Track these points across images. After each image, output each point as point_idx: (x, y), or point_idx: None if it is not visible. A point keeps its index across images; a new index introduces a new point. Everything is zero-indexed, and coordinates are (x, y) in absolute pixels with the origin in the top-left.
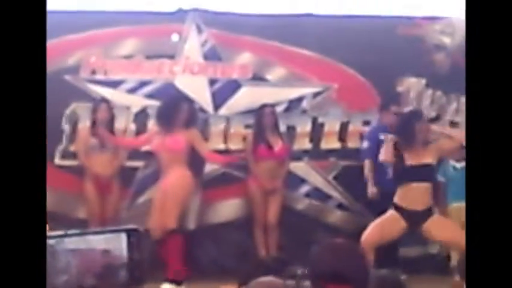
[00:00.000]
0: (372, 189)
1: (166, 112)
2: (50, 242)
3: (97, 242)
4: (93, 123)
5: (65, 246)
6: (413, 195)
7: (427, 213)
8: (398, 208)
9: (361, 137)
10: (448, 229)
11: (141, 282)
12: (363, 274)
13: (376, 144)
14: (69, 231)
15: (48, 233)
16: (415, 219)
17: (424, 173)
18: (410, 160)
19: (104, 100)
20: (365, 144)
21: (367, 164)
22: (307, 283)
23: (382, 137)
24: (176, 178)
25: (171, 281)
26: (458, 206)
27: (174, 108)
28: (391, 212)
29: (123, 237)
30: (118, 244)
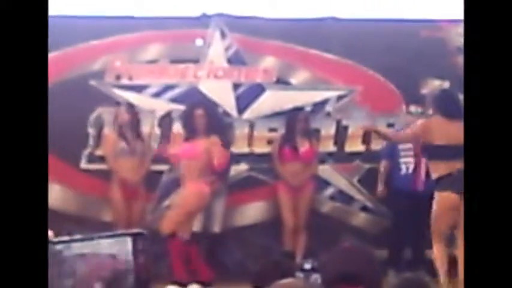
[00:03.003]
0: (380, 188)
1: (187, 118)
2: (56, 247)
3: (103, 246)
4: (120, 127)
5: (71, 251)
6: None
7: None
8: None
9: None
10: None
11: (147, 286)
12: (375, 276)
13: (392, 145)
14: (75, 237)
15: (55, 239)
16: None
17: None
18: None
19: (128, 103)
20: (382, 145)
21: (381, 164)
22: (316, 276)
23: None
24: (188, 190)
25: (174, 283)
26: None
27: (194, 114)
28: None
29: (129, 241)
30: (124, 248)
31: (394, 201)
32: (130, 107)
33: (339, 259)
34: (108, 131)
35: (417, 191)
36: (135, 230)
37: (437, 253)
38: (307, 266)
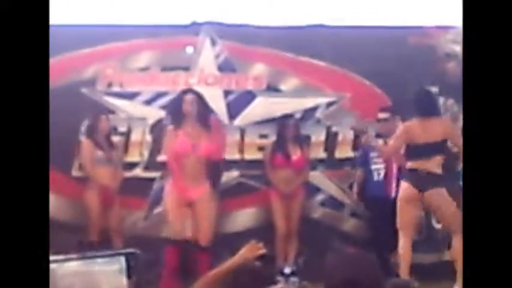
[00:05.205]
0: (354, 196)
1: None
2: (51, 266)
3: (97, 265)
4: (98, 136)
5: (66, 269)
6: None
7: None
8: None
9: None
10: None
11: None
12: (376, 283)
13: (366, 152)
14: (69, 255)
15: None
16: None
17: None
18: None
19: (107, 113)
20: (357, 153)
21: (356, 172)
22: (294, 279)
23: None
24: (204, 193)
25: None
26: None
27: (184, 99)
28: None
29: (122, 260)
30: (117, 267)
31: (369, 208)
32: (107, 117)
33: (343, 265)
34: (84, 139)
35: (389, 196)
36: (128, 250)
37: (402, 247)
38: (287, 270)
